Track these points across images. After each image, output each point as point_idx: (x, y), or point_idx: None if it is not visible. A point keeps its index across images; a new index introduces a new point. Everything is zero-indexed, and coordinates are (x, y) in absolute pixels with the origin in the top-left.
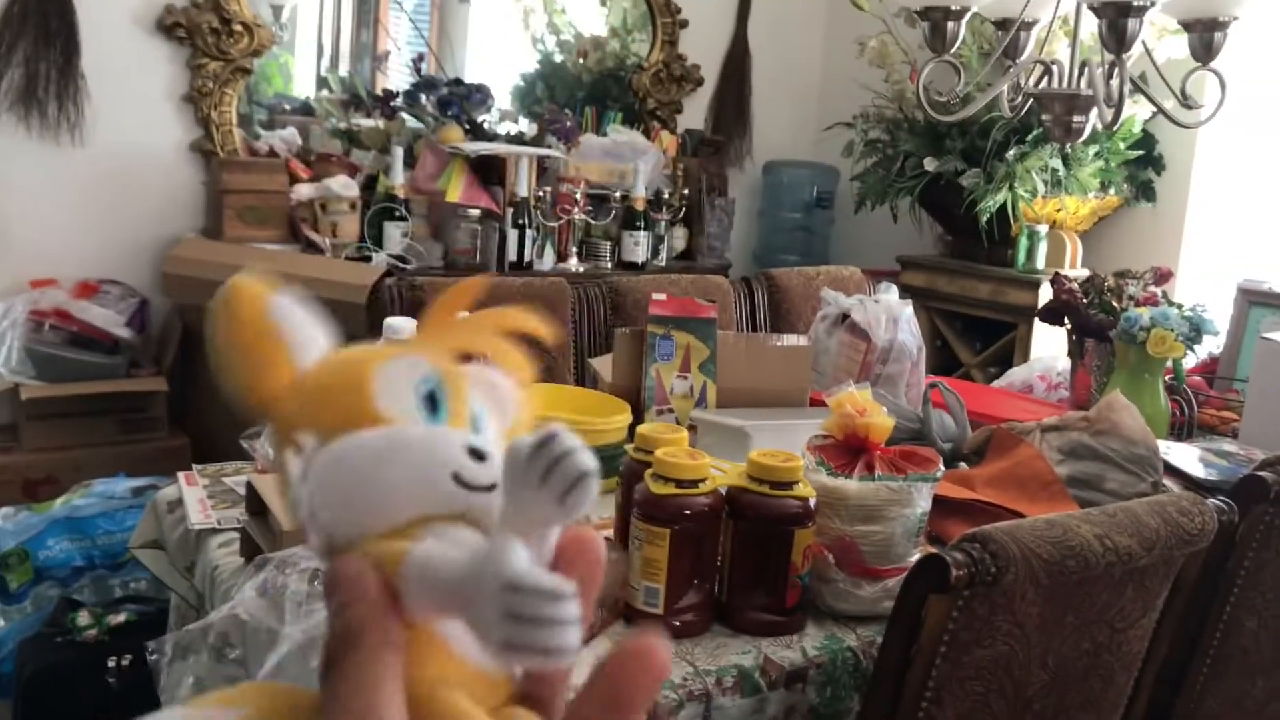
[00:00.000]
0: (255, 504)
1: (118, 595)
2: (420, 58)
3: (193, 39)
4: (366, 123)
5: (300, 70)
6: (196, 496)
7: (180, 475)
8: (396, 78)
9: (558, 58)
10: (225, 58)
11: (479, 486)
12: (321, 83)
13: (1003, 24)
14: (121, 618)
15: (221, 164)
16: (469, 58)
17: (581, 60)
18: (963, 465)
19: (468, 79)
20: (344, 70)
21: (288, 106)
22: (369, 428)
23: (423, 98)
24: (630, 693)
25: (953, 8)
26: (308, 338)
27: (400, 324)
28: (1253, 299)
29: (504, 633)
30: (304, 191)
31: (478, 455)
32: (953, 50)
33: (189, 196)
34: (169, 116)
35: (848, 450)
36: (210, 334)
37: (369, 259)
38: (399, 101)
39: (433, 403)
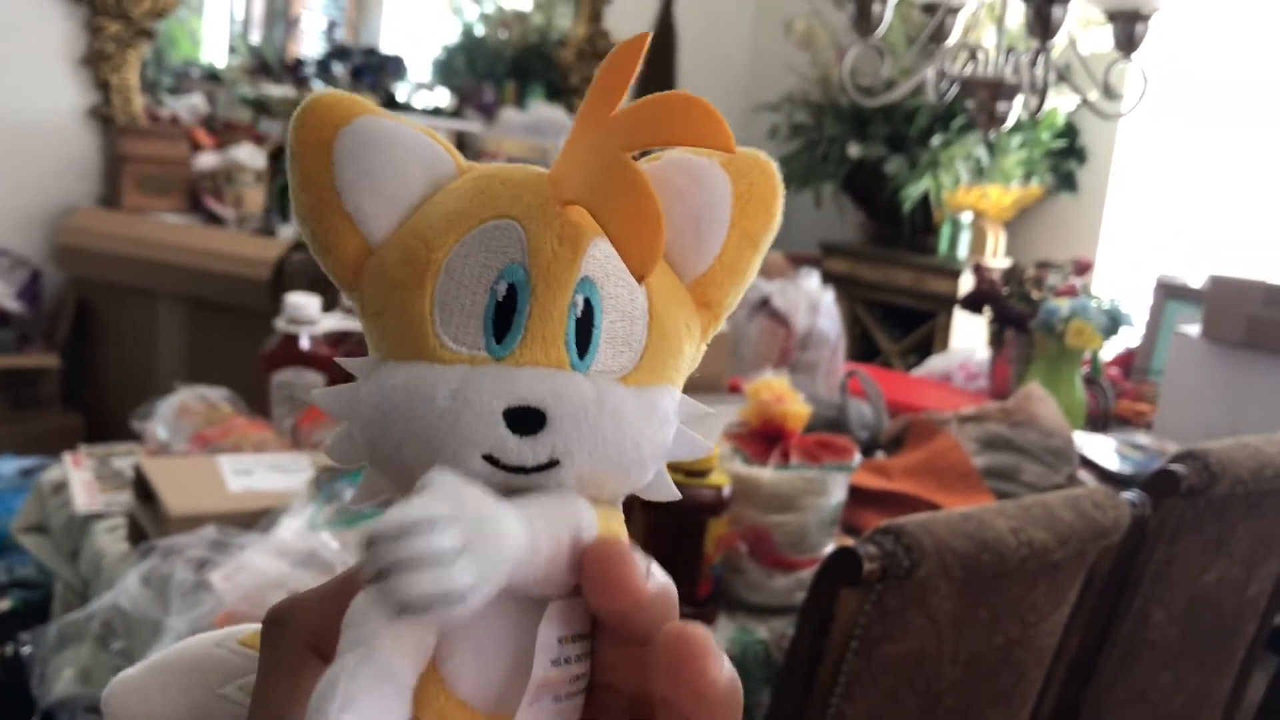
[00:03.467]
0: (143, 489)
1: (3, 581)
2: (333, 25)
3: None
4: (276, 91)
5: (211, 36)
6: (83, 479)
7: (66, 456)
8: (310, 45)
9: (479, 30)
10: (126, 19)
11: (521, 468)
12: (232, 49)
13: (930, 9)
14: (6, 604)
15: (121, 131)
16: (385, 26)
17: (504, 33)
18: (880, 455)
19: (384, 49)
20: (256, 36)
21: (195, 73)
22: (414, 359)
23: (336, 66)
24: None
25: None
26: (383, 191)
27: (303, 300)
28: (1170, 293)
29: (375, 595)
30: (208, 161)
31: (526, 421)
32: (879, 34)
33: (86, 164)
34: (65, 79)
35: (764, 438)
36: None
37: (274, 232)
38: (310, 70)
39: (508, 309)
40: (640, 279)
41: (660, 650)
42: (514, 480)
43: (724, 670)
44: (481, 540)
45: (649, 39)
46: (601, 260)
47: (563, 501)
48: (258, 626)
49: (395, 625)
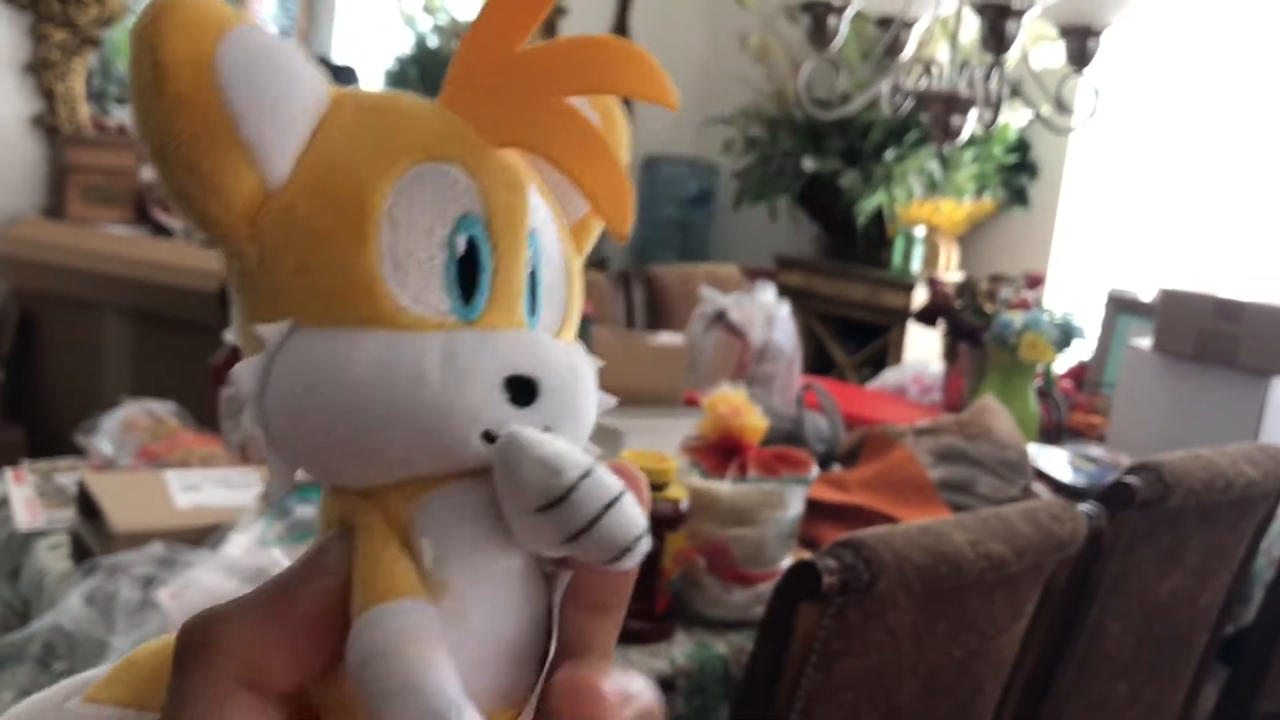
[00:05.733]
0: (87, 505)
1: None
2: (282, 34)
3: (36, 5)
4: None
5: None
6: (24, 495)
7: (7, 472)
8: None
9: (433, 41)
10: (72, 27)
11: None
12: None
13: (885, 23)
14: None
15: (66, 140)
16: (337, 36)
17: (457, 44)
18: (836, 467)
19: (336, 58)
20: None
21: None
22: (365, 325)
23: None
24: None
25: (834, 3)
26: (283, 119)
27: None
28: (1121, 306)
29: (571, 550)
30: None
31: (522, 390)
32: (834, 48)
33: (30, 173)
34: (8, 87)
35: (721, 451)
36: (132, 99)
37: None
38: None
39: (469, 267)
40: (621, 239)
41: (548, 703)
42: None
43: (624, 714)
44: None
45: None
46: (539, 208)
47: None
48: (99, 674)
49: (436, 641)
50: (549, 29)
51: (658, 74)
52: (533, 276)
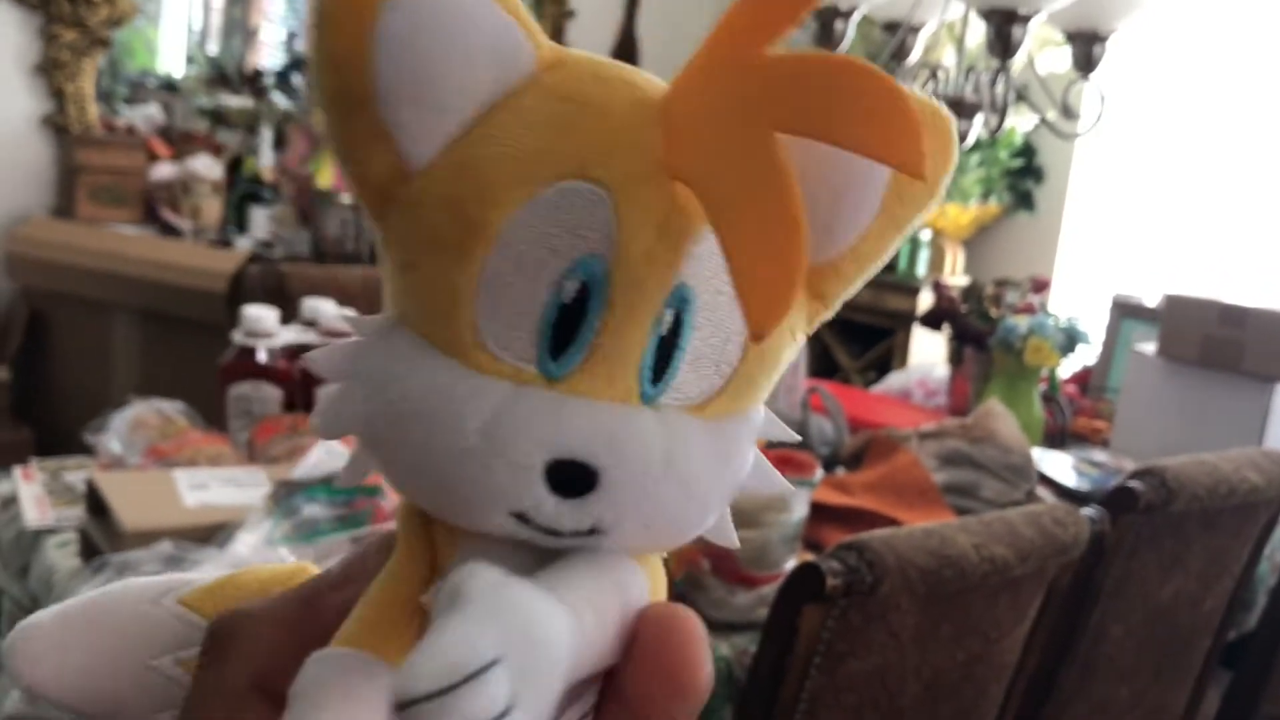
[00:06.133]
0: (95, 503)
1: None
2: (293, 35)
3: (46, 6)
4: (234, 102)
5: (168, 45)
6: (33, 493)
7: (16, 470)
8: (269, 56)
9: None
10: (82, 27)
11: (554, 532)
12: (190, 60)
13: (891, 27)
14: None
15: (75, 140)
16: None
17: None
18: (841, 471)
19: None
20: (214, 46)
21: (152, 83)
22: (443, 349)
23: (295, 77)
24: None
25: (841, 8)
26: (430, 101)
27: (261, 313)
28: (1125, 312)
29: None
30: (164, 171)
31: (572, 480)
32: (841, 52)
33: (39, 173)
34: (18, 87)
35: None
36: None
37: (232, 244)
38: (269, 80)
39: (574, 314)
40: (757, 340)
41: (643, 631)
42: (540, 539)
43: (708, 663)
44: (532, 670)
45: None
46: (704, 259)
47: (607, 569)
48: (202, 580)
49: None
50: (557, 32)
51: (911, 131)
52: (674, 340)
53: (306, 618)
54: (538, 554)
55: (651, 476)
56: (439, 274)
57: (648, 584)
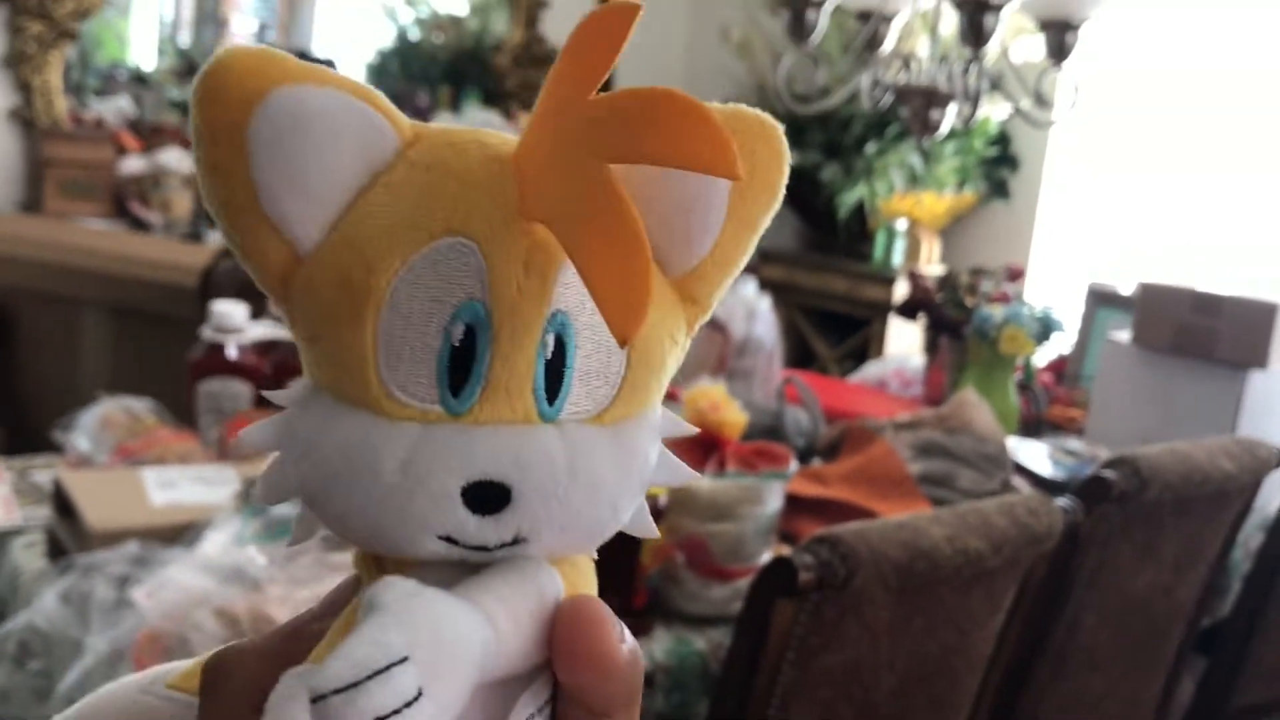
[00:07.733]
0: (62, 502)
1: None
2: (264, 27)
3: None
4: None
5: (139, 37)
6: (0, 493)
7: None
8: None
9: (414, 34)
10: (49, 19)
11: (482, 547)
12: (161, 51)
13: (864, 17)
14: None
15: (43, 134)
16: (318, 29)
17: (439, 38)
18: (817, 461)
19: (316, 52)
20: (185, 38)
21: (122, 75)
22: (355, 405)
23: None
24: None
25: None
26: (307, 190)
27: (230, 308)
28: (1100, 300)
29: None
30: (133, 165)
31: (488, 499)
32: (814, 42)
33: (6, 168)
34: None
35: (700, 446)
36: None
37: (202, 239)
38: None
39: (465, 354)
40: (622, 344)
41: (556, 626)
42: (472, 557)
43: (624, 640)
44: (441, 665)
45: (641, 10)
46: (575, 286)
47: (525, 573)
48: (184, 665)
49: None
50: (530, 23)
51: (717, 141)
52: (561, 362)
53: (291, 649)
54: (474, 572)
55: (560, 485)
56: (340, 341)
57: (563, 584)
